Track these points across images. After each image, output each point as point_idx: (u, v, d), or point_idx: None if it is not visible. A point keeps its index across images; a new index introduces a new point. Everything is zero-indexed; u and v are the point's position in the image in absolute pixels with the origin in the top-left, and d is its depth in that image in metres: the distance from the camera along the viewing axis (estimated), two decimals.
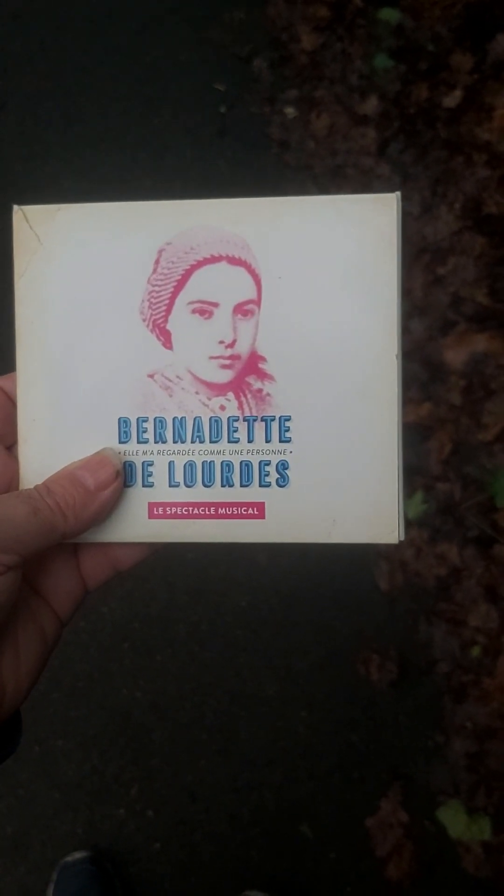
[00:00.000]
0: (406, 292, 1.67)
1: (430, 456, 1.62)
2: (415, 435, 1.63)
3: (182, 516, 0.53)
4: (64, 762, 1.59)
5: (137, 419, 0.53)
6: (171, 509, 0.53)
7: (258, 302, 0.52)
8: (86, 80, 1.87)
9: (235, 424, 0.53)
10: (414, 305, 1.67)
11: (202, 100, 1.84)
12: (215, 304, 0.52)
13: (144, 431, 0.53)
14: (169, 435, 0.53)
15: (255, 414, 0.52)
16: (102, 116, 1.85)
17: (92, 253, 0.53)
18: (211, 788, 1.57)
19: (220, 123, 1.82)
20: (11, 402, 0.55)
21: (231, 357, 0.52)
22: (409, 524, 1.60)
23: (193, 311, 0.52)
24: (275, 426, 0.52)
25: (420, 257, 1.69)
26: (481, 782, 1.52)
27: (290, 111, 1.80)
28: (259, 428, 0.52)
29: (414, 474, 1.62)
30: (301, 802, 1.55)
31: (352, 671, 1.59)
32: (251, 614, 1.62)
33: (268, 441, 0.52)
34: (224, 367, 0.52)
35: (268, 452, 0.52)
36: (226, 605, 1.62)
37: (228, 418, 0.53)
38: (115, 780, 1.58)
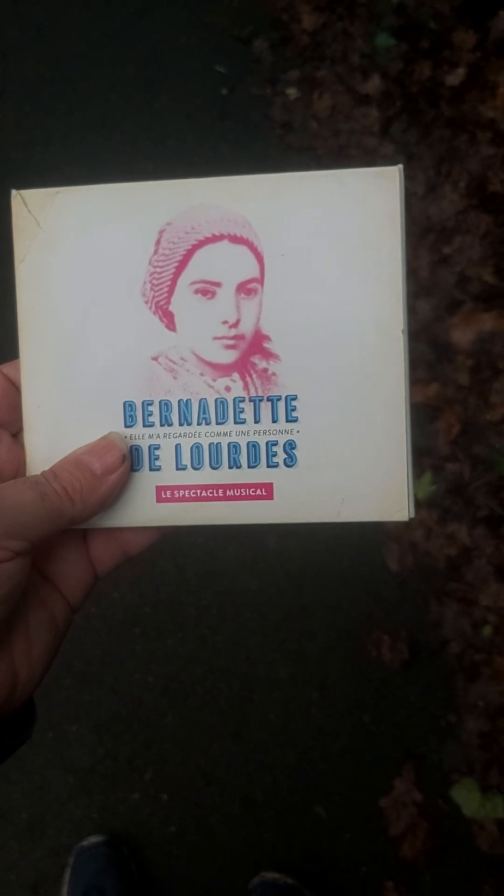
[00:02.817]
0: (412, 272, 1.67)
1: (439, 436, 1.62)
2: (423, 416, 1.62)
3: (190, 499, 0.53)
4: (77, 747, 1.59)
5: (143, 402, 0.53)
6: (179, 492, 0.53)
7: (261, 280, 0.52)
8: (85, 65, 1.86)
9: (241, 405, 0.52)
10: (420, 285, 1.66)
11: (203, 83, 1.82)
12: (218, 284, 0.52)
13: (150, 415, 0.53)
14: (175, 418, 0.53)
15: (260, 394, 0.52)
16: (103, 101, 1.84)
17: (92, 235, 0.53)
18: (224, 771, 1.57)
19: (221, 106, 1.81)
20: (16, 389, 0.55)
21: (235, 337, 0.52)
22: (418, 505, 1.59)
23: (196, 292, 0.52)
24: (281, 406, 0.52)
25: (425, 237, 1.68)
26: (495, 760, 1.52)
27: (291, 92, 1.79)
28: (265, 408, 0.52)
29: (423, 455, 1.61)
30: (314, 784, 1.56)
31: (363, 652, 1.59)
32: (261, 597, 1.62)
33: (274, 421, 0.52)
34: (228, 347, 0.52)
35: (275, 432, 0.52)
36: (235, 589, 1.62)
37: (234, 399, 0.52)
38: (128, 764, 1.58)
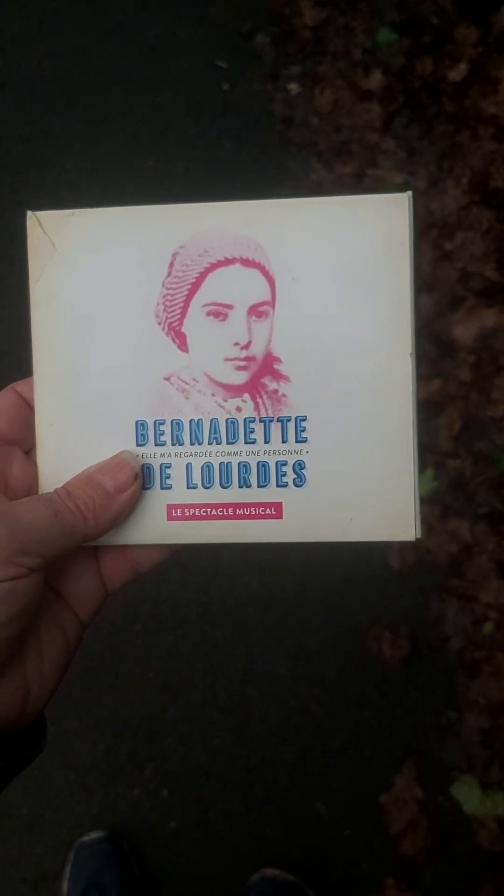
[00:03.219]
0: (414, 268, 1.66)
1: (441, 432, 1.62)
2: (425, 412, 1.62)
3: (200, 517, 0.54)
4: (78, 743, 1.60)
5: (154, 422, 0.53)
6: (189, 511, 0.54)
7: (272, 303, 0.52)
8: (86, 59, 1.85)
9: (252, 425, 0.53)
10: (422, 281, 1.66)
11: (204, 77, 1.82)
12: (230, 307, 0.52)
13: (161, 434, 0.53)
14: (186, 437, 0.53)
15: (271, 415, 0.53)
16: (103, 96, 1.83)
17: (106, 257, 0.53)
18: (225, 767, 1.58)
19: (222, 101, 1.81)
20: (29, 407, 0.55)
21: (246, 359, 0.52)
22: (419, 501, 1.60)
23: (208, 314, 0.53)
24: (291, 426, 0.53)
25: (427, 233, 1.68)
26: (495, 757, 1.53)
27: (293, 87, 1.78)
28: (275, 428, 0.53)
29: (424, 451, 1.61)
30: (315, 780, 1.57)
31: (363, 649, 1.60)
32: (262, 594, 1.63)
33: (284, 441, 0.53)
34: (239, 368, 0.53)
35: (284, 453, 0.53)
36: (236, 585, 1.63)
37: (245, 419, 0.53)
38: (129, 760, 1.59)
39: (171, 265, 0.52)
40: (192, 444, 0.53)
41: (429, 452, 1.62)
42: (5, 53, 1.86)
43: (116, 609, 1.63)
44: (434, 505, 1.60)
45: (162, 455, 0.53)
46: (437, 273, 1.67)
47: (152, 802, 1.57)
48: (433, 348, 1.64)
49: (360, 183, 1.71)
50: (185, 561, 1.63)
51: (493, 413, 1.62)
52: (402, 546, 1.60)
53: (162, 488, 0.54)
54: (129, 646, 1.62)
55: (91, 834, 1.54)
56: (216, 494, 0.53)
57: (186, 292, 0.52)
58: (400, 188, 1.59)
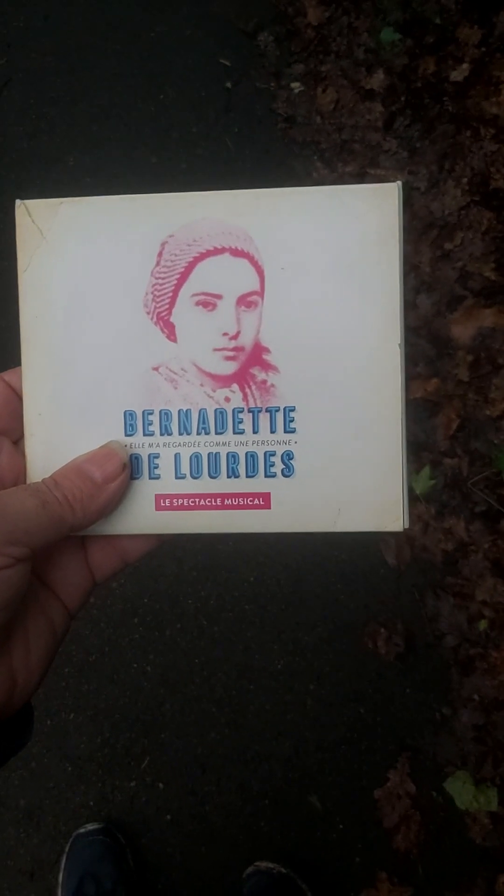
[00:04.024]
0: (413, 268, 1.67)
1: (438, 431, 1.62)
2: (422, 411, 1.63)
3: (189, 507, 0.54)
4: (76, 735, 1.60)
5: (143, 412, 0.53)
6: (177, 501, 0.54)
7: (261, 293, 0.52)
8: (90, 56, 1.86)
9: (240, 416, 0.53)
10: (421, 281, 1.66)
11: (207, 75, 1.82)
12: (219, 296, 0.52)
13: (150, 424, 0.53)
14: (174, 427, 0.53)
15: (259, 405, 0.53)
16: (107, 93, 1.84)
17: (95, 246, 0.53)
18: (221, 760, 1.58)
19: (225, 99, 1.81)
20: (17, 397, 0.55)
21: (235, 349, 0.52)
22: (416, 499, 1.60)
23: (197, 304, 0.53)
24: (279, 417, 0.53)
25: (427, 232, 1.68)
26: (489, 754, 1.53)
27: (296, 86, 1.79)
28: (264, 419, 0.53)
29: (421, 450, 1.62)
30: (310, 774, 1.57)
31: (359, 645, 1.60)
32: (259, 589, 1.63)
33: (273, 432, 0.53)
34: (228, 358, 0.53)
35: (273, 443, 0.53)
36: (234, 580, 1.63)
37: (233, 410, 0.53)
38: (126, 752, 1.59)
39: (160, 254, 0.52)
40: (180, 434, 0.53)
41: (426, 451, 1.62)
42: (10, 50, 1.86)
43: (114, 603, 1.63)
44: (430, 503, 1.61)
45: (150, 445, 0.53)
46: (437, 273, 1.67)
47: (148, 795, 1.58)
48: (431, 347, 1.65)
49: (361, 182, 1.71)
50: (183, 556, 1.64)
51: (490, 412, 1.62)
52: (399, 543, 1.60)
53: (150, 478, 0.54)
54: (126, 640, 1.63)
55: (87, 825, 1.54)
56: (204, 484, 0.53)
57: (175, 282, 0.52)
58: None
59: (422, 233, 1.68)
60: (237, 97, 1.81)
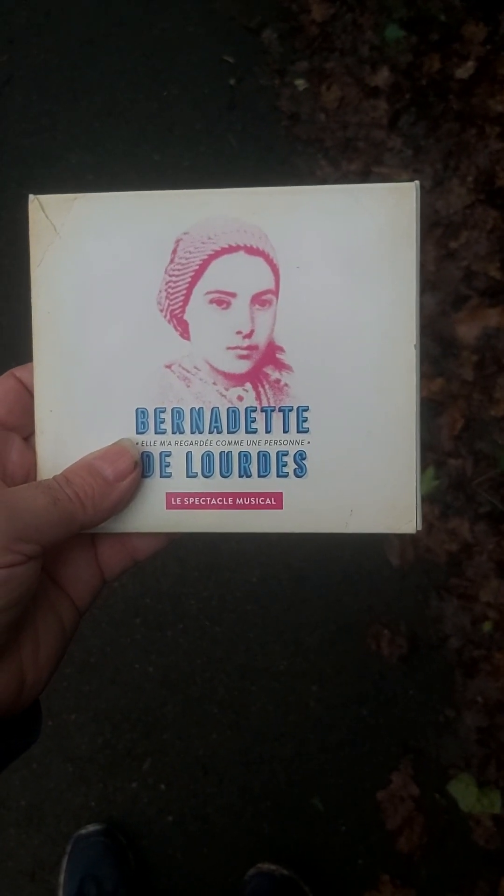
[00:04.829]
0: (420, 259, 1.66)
1: (442, 432, 1.62)
2: (427, 410, 1.62)
3: (200, 507, 0.53)
4: (77, 736, 1.60)
5: (155, 410, 0.53)
6: (188, 500, 0.53)
7: (276, 292, 0.52)
8: (93, 52, 1.85)
9: (253, 415, 0.53)
10: (426, 280, 1.66)
11: (211, 72, 1.82)
12: (233, 295, 0.52)
13: (162, 422, 0.53)
14: (186, 426, 0.53)
15: (272, 404, 0.52)
16: (110, 90, 1.83)
17: (109, 242, 0.53)
18: (223, 762, 1.58)
19: (229, 96, 1.81)
20: (28, 393, 0.55)
21: (249, 347, 0.52)
22: (422, 510, 1.60)
23: (211, 301, 0.52)
24: (293, 416, 0.52)
25: (432, 231, 1.68)
26: (492, 756, 1.53)
27: (300, 83, 1.78)
28: (277, 418, 0.52)
29: (426, 450, 1.61)
30: (312, 776, 1.57)
31: (362, 646, 1.60)
32: (262, 589, 1.63)
33: (286, 431, 0.52)
34: (242, 357, 0.52)
35: (286, 443, 0.52)
36: (236, 581, 1.63)
37: (246, 409, 0.53)
38: (127, 753, 1.59)
39: (175, 252, 0.52)
40: (192, 432, 0.53)
41: (430, 451, 1.62)
42: (11, 46, 1.86)
43: (116, 604, 1.63)
44: (434, 504, 1.60)
45: (162, 443, 0.53)
46: (441, 272, 1.67)
47: (150, 796, 1.57)
48: (436, 347, 1.64)
49: (365, 180, 1.70)
50: (185, 556, 1.63)
51: (495, 413, 1.62)
52: (402, 544, 1.60)
53: (161, 476, 0.53)
54: (128, 640, 1.62)
55: (88, 826, 1.54)
56: (216, 483, 0.53)
57: (189, 279, 0.52)
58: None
59: (426, 232, 1.67)
60: (240, 94, 1.81)
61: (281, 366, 0.52)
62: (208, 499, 0.53)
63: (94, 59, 1.85)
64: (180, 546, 1.63)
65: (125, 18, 1.86)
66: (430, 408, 1.63)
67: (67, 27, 1.86)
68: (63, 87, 1.84)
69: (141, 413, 0.53)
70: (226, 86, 1.81)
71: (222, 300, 0.52)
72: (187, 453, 0.53)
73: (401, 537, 1.59)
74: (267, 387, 0.52)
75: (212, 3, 1.84)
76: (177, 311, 0.52)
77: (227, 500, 0.53)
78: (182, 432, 0.53)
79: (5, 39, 1.87)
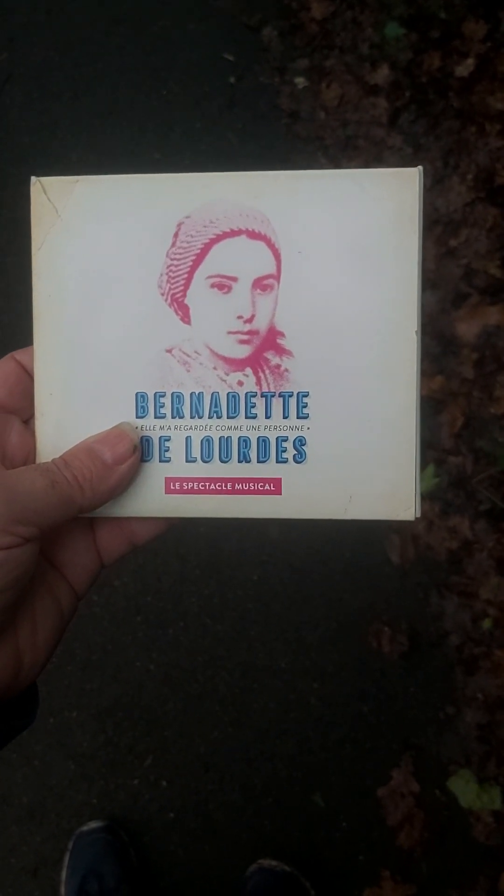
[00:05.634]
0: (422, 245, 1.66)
1: (442, 429, 1.62)
2: (427, 408, 1.62)
3: (199, 491, 0.53)
4: (79, 733, 1.60)
5: (155, 394, 0.53)
6: (187, 484, 0.53)
7: (277, 277, 0.52)
8: (93, 50, 1.85)
9: (253, 400, 0.53)
10: (426, 278, 1.66)
11: (211, 70, 1.82)
12: (234, 279, 0.52)
13: (162, 406, 0.53)
14: (186, 410, 0.53)
15: (272, 390, 0.52)
16: (110, 88, 1.83)
17: (110, 225, 0.53)
18: (224, 759, 1.58)
19: (229, 94, 1.81)
20: (28, 376, 0.55)
21: (249, 332, 0.52)
22: (421, 498, 1.60)
23: (212, 286, 0.52)
24: (293, 402, 0.52)
25: (432, 229, 1.68)
26: (492, 752, 1.53)
27: (300, 81, 1.78)
28: (277, 404, 0.52)
29: (426, 448, 1.61)
30: (313, 772, 1.57)
31: (363, 643, 1.60)
32: (263, 587, 1.63)
33: (285, 417, 0.52)
34: (242, 342, 0.52)
35: (285, 428, 0.52)
36: (237, 579, 1.63)
37: (246, 394, 0.52)
38: (129, 750, 1.59)
39: (176, 235, 0.52)
40: (192, 417, 0.53)
41: (430, 449, 1.62)
42: (12, 43, 1.86)
43: (118, 602, 1.63)
44: (435, 502, 1.60)
45: (161, 428, 0.53)
46: (441, 270, 1.67)
47: (151, 793, 1.57)
48: (436, 345, 1.64)
49: None
50: (186, 554, 1.63)
51: (495, 410, 1.62)
52: (403, 542, 1.60)
53: (161, 461, 0.53)
54: (130, 638, 1.62)
55: (90, 823, 1.54)
56: (215, 468, 0.53)
57: (191, 263, 0.52)
58: None
59: (426, 229, 1.67)
60: (241, 92, 1.81)
61: (281, 351, 0.52)
62: (207, 484, 0.53)
63: (95, 57, 1.85)
64: (181, 544, 1.63)
65: (125, 17, 1.86)
66: (431, 406, 1.63)
67: (67, 26, 1.87)
68: (63, 85, 1.84)
69: (141, 397, 0.53)
70: (226, 84, 1.81)
71: (223, 284, 0.52)
72: (187, 438, 0.53)
73: (401, 535, 1.59)
74: (267, 372, 0.52)
75: (212, 1, 1.84)
76: (178, 295, 0.52)
77: (226, 486, 0.53)
78: (182, 417, 0.53)
79: (5, 38, 1.87)
